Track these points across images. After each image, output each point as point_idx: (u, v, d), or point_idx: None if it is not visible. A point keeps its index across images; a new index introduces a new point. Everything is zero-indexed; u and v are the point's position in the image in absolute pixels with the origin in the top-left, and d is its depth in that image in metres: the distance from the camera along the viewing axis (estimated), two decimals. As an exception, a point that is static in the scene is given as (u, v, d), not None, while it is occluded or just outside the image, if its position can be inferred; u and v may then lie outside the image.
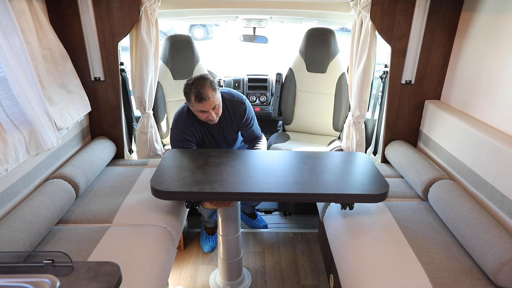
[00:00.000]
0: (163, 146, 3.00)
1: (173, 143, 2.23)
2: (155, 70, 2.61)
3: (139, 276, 1.52)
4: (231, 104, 2.23)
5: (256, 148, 2.38)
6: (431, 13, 2.31)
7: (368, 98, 2.66)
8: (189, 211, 2.36)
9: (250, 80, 3.37)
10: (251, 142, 2.47)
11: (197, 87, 1.96)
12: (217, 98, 2.03)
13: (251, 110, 2.33)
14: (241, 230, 2.18)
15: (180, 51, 2.99)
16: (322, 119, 3.17)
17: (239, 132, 2.42)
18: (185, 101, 2.10)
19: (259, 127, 2.46)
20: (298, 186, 1.76)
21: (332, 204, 2.12)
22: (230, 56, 9.45)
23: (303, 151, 2.19)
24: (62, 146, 2.21)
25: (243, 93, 3.21)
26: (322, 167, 1.99)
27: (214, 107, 2.02)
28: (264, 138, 2.49)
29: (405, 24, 2.35)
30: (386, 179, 2.37)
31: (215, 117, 2.05)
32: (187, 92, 2.01)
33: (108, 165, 2.50)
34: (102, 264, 1.17)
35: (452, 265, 1.59)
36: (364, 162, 2.05)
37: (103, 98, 2.53)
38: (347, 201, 1.78)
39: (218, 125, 2.24)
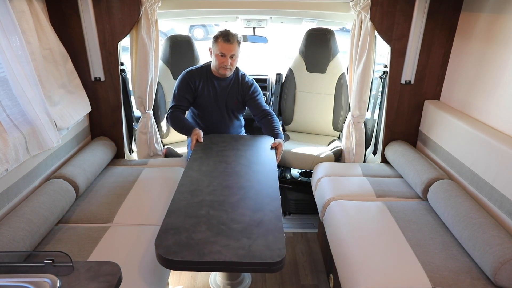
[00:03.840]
0: (163, 146, 3.00)
1: (176, 84, 2.45)
2: (155, 70, 2.61)
3: (139, 276, 1.53)
4: (242, 77, 2.53)
5: (275, 129, 2.45)
6: (430, 14, 2.31)
7: (368, 98, 2.67)
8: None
9: (250, 80, 3.38)
10: (264, 118, 2.51)
11: (228, 32, 2.28)
12: (238, 51, 2.34)
13: (258, 88, 2.58)
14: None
15: (180, 51, 3.00)
16: (322, 119, 3.18)
17: (243, 110, 2.61)
18: None
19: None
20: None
21: (332, 203, 2.13)
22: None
23: None
24: (62, 146, 2.21)
25: None
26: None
27: (232, 56, 2.31)
28: (276, 117, 2.55)
29: (405, 25, 2.35)
30: (386, 179, 2.40)
31: (229, 63, 2.31)
32: (217, 34, 2.31)
33: (108, 165, 2.51)
34: (102, 264, 1.18)
35: (451, 264, 1.60)
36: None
37: (104, 98, 2.54)
38: None
39: (226, 87, 2.47)
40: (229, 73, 2.41)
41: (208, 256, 1.32)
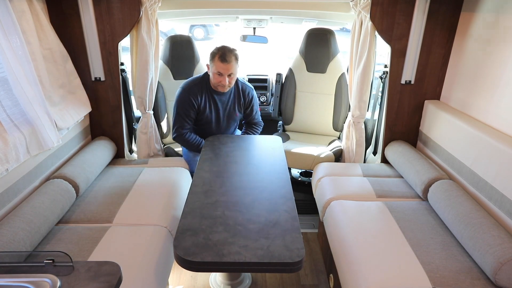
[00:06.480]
0: (163, 146, 3.00)
1: (178, 102, 2.43)
2: (156, 70, 2.62)
3: (139, 276, 1.53)
4: (242, 86, 2.55)
5: (249, 133, 2.69)
6: (430, 14, 2.31)
7: (368, 98, 2.67)
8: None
9: (250, 80, 3.37)
10: (251, 124, 2.74)
11: (224, 50, 2.26)
12: (236, 68, 2.32)
13: (256, 99, 2.67)
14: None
15: (180, 51, 3.00)
16: (322, 119, 3.18)
17: (240, 118, 2.67)
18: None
19: (261, 119, 2.78)
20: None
21: (332, 203, 2.13)
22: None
23: None
24: (62, 146, 2.21)
25: None
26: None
27: (230, 75, 2.30)
28: (261, 126, 2.78)
29: (405, 24, 2.35)
30: (386, 179, 2.40)
31: (227, 83, 2.31)
32: (213, 52, 2.29)
33: (108, 165, 2.51)
34: (102, 264, 1.18)
35: (451, 264, 1.60)
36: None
37: (104, 98, 2.54)
38: None
39: (226, 101, 2.51)
40: (228, 89, 2.43)
41: (228, 257, 1.33)
